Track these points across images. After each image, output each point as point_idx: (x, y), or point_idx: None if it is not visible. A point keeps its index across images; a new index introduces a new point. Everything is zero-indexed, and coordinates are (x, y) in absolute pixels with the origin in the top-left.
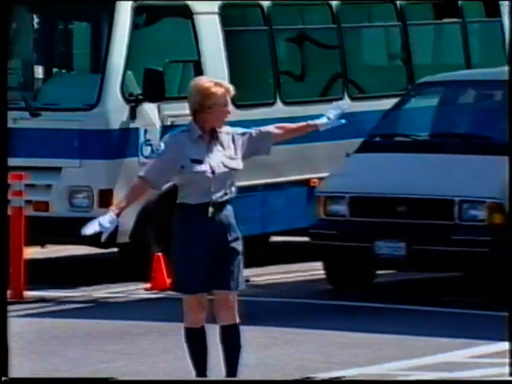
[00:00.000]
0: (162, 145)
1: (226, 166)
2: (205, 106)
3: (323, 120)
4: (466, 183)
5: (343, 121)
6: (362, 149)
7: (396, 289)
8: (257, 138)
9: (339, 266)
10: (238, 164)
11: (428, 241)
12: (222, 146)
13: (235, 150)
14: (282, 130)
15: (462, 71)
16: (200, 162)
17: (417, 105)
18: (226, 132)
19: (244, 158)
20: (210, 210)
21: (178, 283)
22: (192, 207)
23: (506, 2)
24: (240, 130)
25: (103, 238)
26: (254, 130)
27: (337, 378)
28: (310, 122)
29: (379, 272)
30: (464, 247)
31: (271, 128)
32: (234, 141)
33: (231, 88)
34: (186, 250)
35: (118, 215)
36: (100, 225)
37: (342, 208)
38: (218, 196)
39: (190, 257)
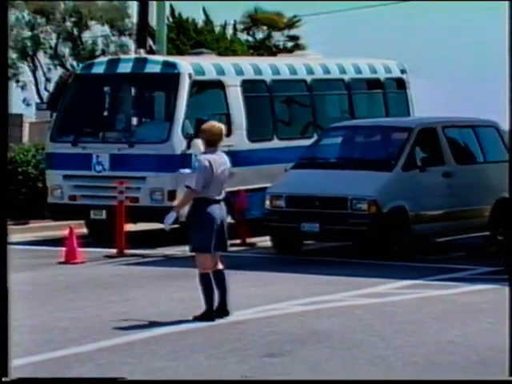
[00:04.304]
0: None
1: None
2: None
3: None
4: (356, 188)
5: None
6: (294, 167)
7: (316, 252)
8: None
9: (280, 239)
10: None
11: (333, 223)
12: None
13: None
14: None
15: (356, 120)
16: None
17: (328, 140)
18: None
19: None
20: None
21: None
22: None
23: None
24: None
25: (166, 227)
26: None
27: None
28: None
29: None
30: (354, 227)
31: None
32: None
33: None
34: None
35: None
36: (167, 219)
37: (281, 202)
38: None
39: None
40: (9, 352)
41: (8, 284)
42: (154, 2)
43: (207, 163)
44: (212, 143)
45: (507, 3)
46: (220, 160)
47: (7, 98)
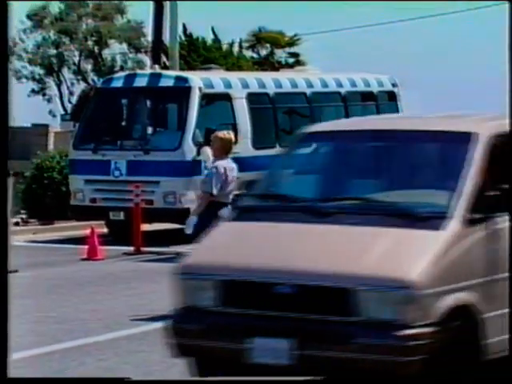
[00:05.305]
0: None
1: None
2: None
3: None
4: None
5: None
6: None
7: None
8: None
9: None
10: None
11: None
12: None
13: None
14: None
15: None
16: None
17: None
18: None
19: None
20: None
21: None
22: None
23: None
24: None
25: (189, 230)
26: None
27: None
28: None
29: None
30: None
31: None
32: None
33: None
34: None
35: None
36: (189, 224)
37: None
38: None
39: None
40: (8, 352)
41: (8, 286)
42: (168, 22)
43: (223, 170)
44: (227, 151)
45: (507, 3)
46: (230, 166)
47: (7, 101)
